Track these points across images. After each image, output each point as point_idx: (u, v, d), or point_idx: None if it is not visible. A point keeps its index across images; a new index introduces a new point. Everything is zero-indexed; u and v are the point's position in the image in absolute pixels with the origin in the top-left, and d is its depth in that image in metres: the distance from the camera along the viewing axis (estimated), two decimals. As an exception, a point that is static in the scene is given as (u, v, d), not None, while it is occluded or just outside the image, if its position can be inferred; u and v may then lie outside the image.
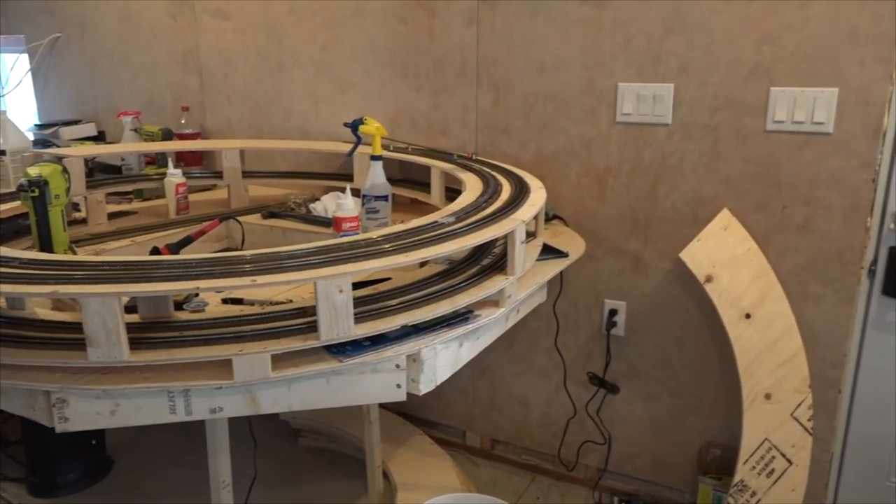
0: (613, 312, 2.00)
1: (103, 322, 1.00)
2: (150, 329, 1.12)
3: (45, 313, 1.20)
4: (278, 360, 1.08)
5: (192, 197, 2.17)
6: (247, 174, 2.25)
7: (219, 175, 2.23)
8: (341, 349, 1.11)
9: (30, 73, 3.06)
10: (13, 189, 2.34)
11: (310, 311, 1.17)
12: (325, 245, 1.21)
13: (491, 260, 1.41)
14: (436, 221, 1.33)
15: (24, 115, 3.08)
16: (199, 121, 2.65)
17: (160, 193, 2.18)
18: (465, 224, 1.31)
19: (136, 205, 2.26)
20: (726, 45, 1.71)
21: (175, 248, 1.33)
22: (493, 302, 1.31)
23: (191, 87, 2.67)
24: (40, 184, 1.33)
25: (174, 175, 2.07)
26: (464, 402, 2.35)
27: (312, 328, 1.11)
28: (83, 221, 2.01)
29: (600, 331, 2.05)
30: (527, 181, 1.70)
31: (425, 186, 2.01)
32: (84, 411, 1.07)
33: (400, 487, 2.02)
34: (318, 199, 2.13)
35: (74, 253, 1.47)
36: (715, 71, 1.74)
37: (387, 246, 1.18)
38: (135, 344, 1.06)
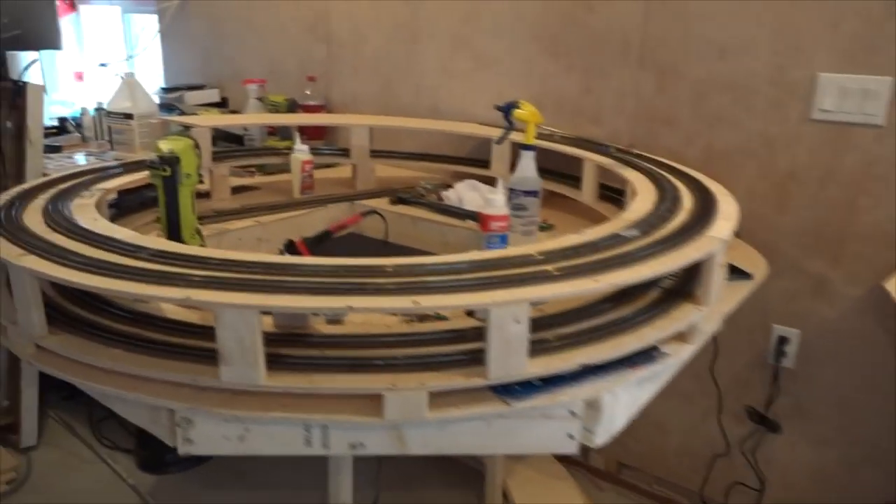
0: (783, 340, 1.73)
1: (239, 338, 0.85)
2: (285, 343, 0.96)
3: (172, 310, 1.07)
4: (434, 396, 0.90)
5: (315, 174, 2.02)
6: (373, 153, 2.09)
7: (345, 152, 2.08)
8: (508, 389, 0.92)
9: (158, 36, 3.01)
10: (139, 154, 2.29)
11: (468, 335, 0.98)
12: (477, 259, 1.01)
13: (671, 282, 1.18)
14: (616, 234, 1.11)
15: (152, 77, 3.05)
16: (323, 92, 2.51)
17: (283, 167, 2.05)
18: (654, 240, 1.08)
19: (258, 179, 2.14)
20: (974, 33, 1.39)
21: (313, 243, 1.18)
22: (679, 336, 1.09)
23: (318, 56, 2.53)
24: (172, 161, 1.20)
25: (301, 151, 1.93)
26: (590, 418, 2.13)
27: (475, 359, 0.92)
28: (206, 195, 1.91)
29: (764, 360, 1.77)
30: (706, 185, 1.45)
31: (569, 179, 1.79)
32: (210, 434, 0.93)
33: (520, 510, 1.84)
34: (450, 186, 1.94)
35: (202, 237, 1.34)
36: (954, 64, 1.42)
37: (550, 268, 0.97)
38: (270, 361, 0.90)
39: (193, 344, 0.96)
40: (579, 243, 1.07)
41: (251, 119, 2.29)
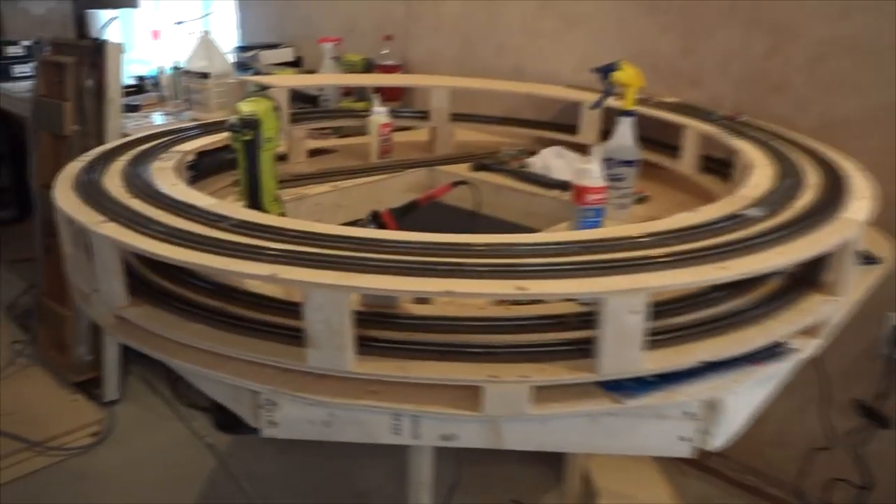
0: (901, 329, 1.57)
1: (328, 320, 0.79)
2: (373, 324, 0.89)
3: (255, 283, 1.01)
4: (537, 389, 0.82)
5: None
6: (453, 116, 1.99)
7: (424, 115, 1.99)
8: (618, 384, 0.83)
9: (234, -8, 2.97)
10: (216, 113, 2.26)
11: (571, 322, 0.89)
12: (577, 240, 0.91)
13: (794, 268, 1.06)
14: (738, 214, 0.99)
15: (228, 36, 3.01)
16: (401, 52, 2.41)
17: (359, 130, 1.98)
18: (782, 222, 0.96)
19: (334, 141, 2.08)
20: None
21: (399, 214, 1.10)
22: (805, 329, 0.97)
23: (395, 14, 2.43)
24: (253, 124, 1.14)
25: (379, 113, 1.85)
26: (674, 401, 2.03)
27: (580, 350, 0.83)
28: (282, 158, 1.86)
29: (874, 349, 1.62)
30: (831, 158, 1.30)
31: (664, 148, 1.65)
32: (295, 418, 0.87)
33: (601, 494, 1.75)
34: (534, 153, 1.83)
35: (282, 204, 1.28)
36: None
37: (659, 252, 0.87)
38: (358, 344, 0.83)
39: (278, 321, 0.90)
40: (695, 224, 0.96)
41: (328, 79, 2.23)
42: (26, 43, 2.85)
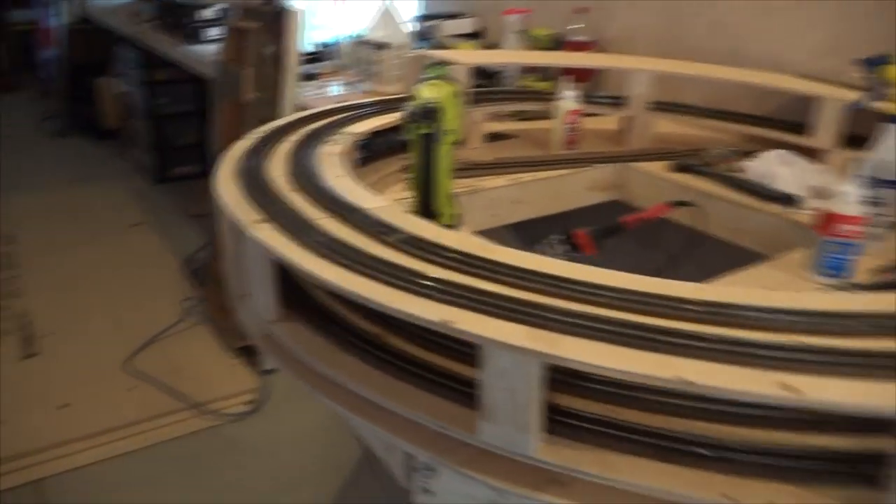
0: None
1: (511, 391, 0.60)
2: (562, 386, 0.69)
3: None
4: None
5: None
6: (653, 105, 1.72)
7: (618, 102, 1.74)
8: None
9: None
10: (390, 87, 2.15)
11: (840, 423, 0.65)
12: (863, 311, 0.65)
13: None
14: None
15: (410, 3, 2.89)
16: (594, 26, 2.15)
17: (541, 112, 1.78)
18: None
19: (514, 125, 1.89)
20: None
21: (598, 236, 0.90)
22: None
23: (590, -17, 2.17)
24: (433, 115, 0.97)
25: (568, 98, 1.63)
26: None
27: (854, 470, 0.59)
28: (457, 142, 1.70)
29: None
30: None
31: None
32: (454, 490, 0.71)
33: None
34: (750, 155, 1.53)
35: (456, 204, 1.11)
36: None
37: None
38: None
39: (445, 366, 0.74)
40: None
41: (514, 57, 2.03)
42: (217, 7, 2.90)
